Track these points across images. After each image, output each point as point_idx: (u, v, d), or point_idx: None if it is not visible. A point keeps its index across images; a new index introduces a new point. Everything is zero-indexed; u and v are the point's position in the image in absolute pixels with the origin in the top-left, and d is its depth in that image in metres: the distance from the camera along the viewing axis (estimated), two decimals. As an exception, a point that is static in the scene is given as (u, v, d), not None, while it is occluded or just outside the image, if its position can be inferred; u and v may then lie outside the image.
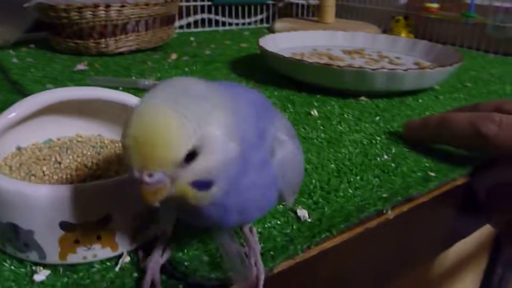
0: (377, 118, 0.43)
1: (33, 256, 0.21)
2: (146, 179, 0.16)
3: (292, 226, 0.26)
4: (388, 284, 0.33)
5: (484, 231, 0.56)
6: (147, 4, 0.63)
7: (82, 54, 0.64)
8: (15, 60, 0.59)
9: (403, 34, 0.85)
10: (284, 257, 0.23)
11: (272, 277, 0.23)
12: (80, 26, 0.61)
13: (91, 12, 0.60)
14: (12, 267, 0.22)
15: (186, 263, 0.22)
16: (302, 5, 1.07)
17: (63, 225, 0.20)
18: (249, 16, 0.99)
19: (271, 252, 0.23)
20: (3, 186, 0.20)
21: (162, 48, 0.71)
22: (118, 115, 0.28)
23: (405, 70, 0.46)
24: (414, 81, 0.47)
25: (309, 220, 0.27)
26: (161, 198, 0.16)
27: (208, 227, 0.23)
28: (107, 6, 0.60)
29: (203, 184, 0.17)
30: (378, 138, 0.38)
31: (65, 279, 0.21)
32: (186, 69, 0.58)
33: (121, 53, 0.65)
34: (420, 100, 0.49)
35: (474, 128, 0.32)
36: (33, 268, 0.21)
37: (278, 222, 0.26)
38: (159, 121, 0.15)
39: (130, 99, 0.27)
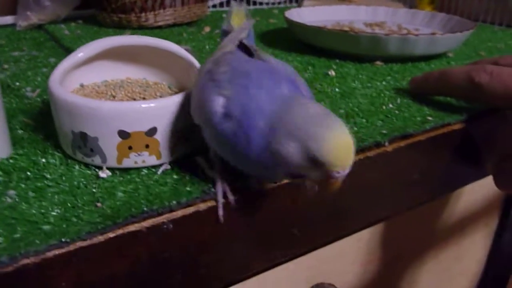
0: (389, 77, 0.48)
1: (97, 160, 0.27)
2: (343, 174, 0.21)
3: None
4: (386, 218, 0.37)
5: (492, 191, 0.59)
6: (183, -19, 0.69)
7: (124, 27, 0.70)
8: (66, 32, 0.66)
9: (427, 10, 0.88)
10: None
11: (283, 186, 0.28)
12: (123, 2, 0.67)
13: (133, -12, 0.66)
14: (81, 169, 0.28)
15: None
16: (330, -15, 1.11)
17: (120, 133, 0.26)
18: (278, -4, 1.03)
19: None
20: (78, 102, 0.26)
21: (197, 23, 0.77)
22: (161, 61, 0.34)
23: (417, 35, 0.50)
24: (426, 46, 0.51)
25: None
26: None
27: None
28: (147, -18, 0.66)
29: None
30: (387, 92, 0.43)
31: (121, 178, 0.27)
32: (218, 39, 0.64)
33: (159, 27, 0.71)
34: (432, 65, 0.53)
35: (469, 78, 0.36)
36: (96, 170, 0.28)
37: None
38: (351, 140, 0.22)
39: (172, 46, 0.33)
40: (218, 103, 0.24)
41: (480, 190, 0.58)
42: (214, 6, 0.95)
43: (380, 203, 0.36)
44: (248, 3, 0.99)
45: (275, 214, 0.29)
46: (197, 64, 0.32)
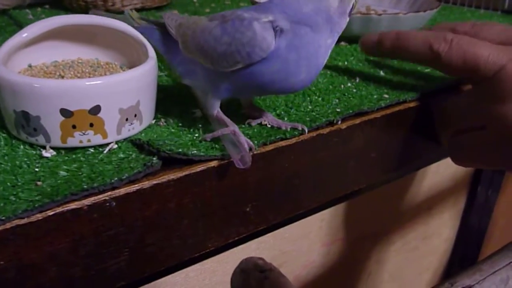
0: (352, 58, 0.48)
1: (41, 139, 0.27)
2: None
3: (253, 130, 0.31)
4: (345, 197, 0.38)
5: (459, 170, 0.60)
6: (150, -36, 0.68)
7: (91, 12, 0.69)
8: (30, 17, 0.65)
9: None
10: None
11: (233, 163, 0.28)
12: (88, -15, 0.66)
13: (98, -28, 0.65)
14: (25, 149, 0.27)
15: (160, 142, 0.27)
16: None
17: (62, 111, 0.26)
18: (252, -20, 1.03)
19: (232, 144, 0.29)
20: (18, 80, 0.26)
21: (166, 7, 0.76)
22: (114, 41, 0.34)
23: (380, 15, 0.50)
24: (389, 26, 0.51)
25: (269, 126, 0.32)
26: None
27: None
28: (113, -35, 0.65)
29: None
30: (347, 72, 0.43)
31: (66, 157, 0.27)
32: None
33: (127, 11, 0.70)
34: (397, 46, 0.54)
35: (428, 45, 0.35)
36: (40, 149, 0.27)
37: (243, 126, 0.32)
38: None
39: (122, 25, 0.32)
40: (269, 34, 0.27)
41: (447, 170, 0.59)
42: (186, -10, 0.94)
43: (336, 182, 0.36)
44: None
45: (226, 191, 0.29)
46: (145, 41, 0.32)
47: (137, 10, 0.71)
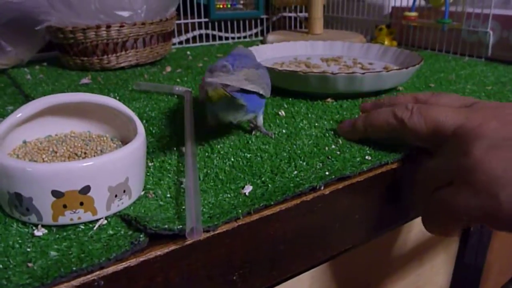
0: (337, 116, 0.49)
1: (33, 218, 0.28)
2: None
3: (239, 199, 0.32)
4: (330, 256, 0.38)
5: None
6: (143, 24, 0.71)
7: (87, 69, 0.72)
8: (28, 76, 0.67)
9: (386, 42, 0.91)
10: (227, 218, 0.30)
11: (219, 235, 0.29)
12: (85, 45, 0.69)
13: (94, 33, 0.68)
14: (18, 228, 0.29)
15: (147, 219, 0.28)
16: (295, 18, 1.14)
17: (54, 192, 0.27)
18: (244, 30, 1.06)
19: (217, 215, 0.30)
20: (11, 164, 0.27)
21: (160, 62, 0.78)
22: (104, 115, 0.35)
23: (363, 73, 0.52)
24: (373, 83, 0.53)
25: (254, 194, 0.33)
26: None
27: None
28: (108, 26, 0.68)
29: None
30: (332, 132, 0.45)
31: (57, 235, 0.28)
32: (178, 79, 0.66)
33: (122, 68, 0.72)
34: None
35: (393, 115, 0.38)
36: (33, 228, 0.28)
37: (229, 196, 0.33)
38: None
39: (111, 102, 0.34)
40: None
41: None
42: (180, 42, 0.97)
43: (322, 244, 0.37)
44: (214, 39, 1.02)
45: (213, 262, 0.30)
46: (135, 117, 0.33)
47: (132, 66, 0.74)
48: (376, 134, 0.41)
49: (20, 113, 0.31)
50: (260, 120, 0.44)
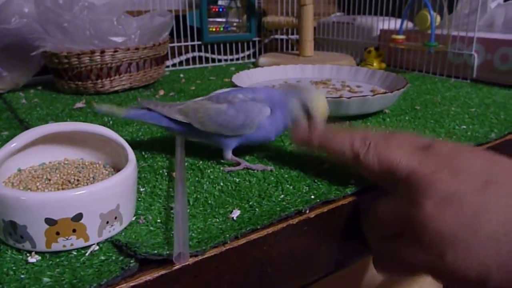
0: (324, 139, 0.51)
1: (27, 245, 0.29)
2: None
3: (227, 223, 0.34)
4: (318, 278, 0.39)
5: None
6: (137, 48, 0.73)
7: (82, 93, 0.73)
8: (23, 101, 0.69)
9: (375, 63, 0.93)
10: (214, 242, 0.31)
11: (207, 259, 0.31)
12: (79, 70, 0.71)
13: (88, 58, 0.69)
14: (12, 254, 0.30)
15: (137, 244, 0.30)
16: (286, 40, 1.17)
17: (47, 220, 0.28)
18: (237, 53, 1.08)
19: (205, 240, 0.31)
20: (7, 194, 0.28)
21: (153, 85, 0.80)
22: (96, 142, 0.36)
23: (349, 98, 0.54)
24: (359, 107, 0.55)
25: (241, 218, 0.34)
26: None
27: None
28: (102, 51, 0.70)
29: None
30: (319, 156, 0.46)
31: (50, 262, 0.29)
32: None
33: (116, 91, 0.74)
34: (369, 123, 0.57)
35: (350, 146, 0.37)
36: (27, 254, 0.29)
37: (217, 220, 0.34)
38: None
39: (103, 130, 0.35)
40: (267, 110, 0.43)
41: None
42: (173, 65, 0.99)
43: (309, 267, 0.38)
44: (207, 61, 1.04)
45: (202, 286, 0.31)
46: (126, 145, 0.35)
47: (126, 89, 0.75)
48: (329, 156, 0.40)
49: (15, 143, 0.33)
50: (225, 155, 0.44)
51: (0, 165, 0.32)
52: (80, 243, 0.30)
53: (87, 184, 0.33)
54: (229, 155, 0.44)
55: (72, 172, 0.35)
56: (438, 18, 0.86)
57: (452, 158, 0.32)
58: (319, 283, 0.47)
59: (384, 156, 0.34)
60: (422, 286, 0.64)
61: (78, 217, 0.29)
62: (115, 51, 0.70)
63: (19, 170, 0.35)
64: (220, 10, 1.04)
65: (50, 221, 0.28)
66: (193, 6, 1.00)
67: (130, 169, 0.32)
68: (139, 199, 0.37)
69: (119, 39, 0.70)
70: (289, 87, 0.45)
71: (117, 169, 0.36)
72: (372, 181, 0.37)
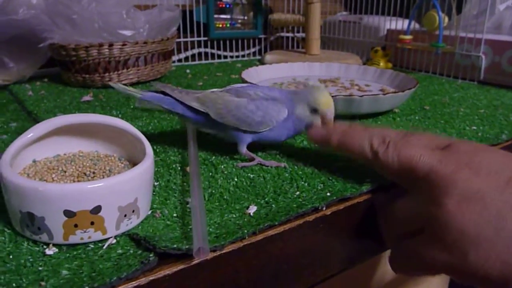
0: (336, 137, 0.50)
1: (44, 237, 0.29)
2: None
3: (244, 219, 0.33)
4: (331, 275, 0.39)
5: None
6: (145, 42, 0.72)
7: (89, 86, 0.72)
8: (30, 93, 0.68)
9: (381, 63, 0.93)
10: (233, 238, 0.30)
11: (225, 255, 0.30)
12: (87, 63, 0.70)
13: (96, 50, 0.69)
14: (29, 246, 0.29)
15: (156, 238, 0.29)
16: (292, 38, 1.16)
17: (66, 212, 0.28)
18: (243, 49, 1.08)
19: (223, 235, 0.31)
20: (24, 184, 0.28)
21: (160, 80, 0.80)
22: (111, 135, 0.36)
23: (361, 96, 0.53)
24: (370, 106, 0.55)
25: (258, 214, 0.34)
26: None
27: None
28: (110, 45, 0.69)
29: None
30: (331, 152, 0.46)
31: (67, 254, 0.29)
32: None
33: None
34: (379, 122, 0.57)
35: (369, 145, 0.36)
36: (44, 246, 0.29)
37: (234, 216, 0.34)
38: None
39: (121, 123, 0.35)
40: (285, 112, 0.43)
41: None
42: (179, 60, 0.99)
43: (324, 264, 0.38)
44: (213, 57, 1.03)
45: (219, 281, 0.31)
46: (143, 138, 0.34)
47: (133, 83, 0.75)
48: (348, 155, 0.40)
49: (32, 133, 0.32)
50: (239, 149, 0.43)
51: (16, 156, 0.32)
52: (98, 236, 0.29)
53: (103, 177, 0.33)
54: (243, 149, 0.43)
55: (88, 164, 0.34)
56: (446, 19, 0.86)
57: (473, 157, 0.32)
58: (328, 281, 0.47)
59: (404, 154, 0.34)
60: (430, 285, 0.64)
61: (97, 209, 0.28)
62: (123, 45, 0.70)
63: (34, 161, 0.34)
64: (227, 6, 1.04)
65: (69, 213, 0.28)
66: (200, 1, 0.99)
67: (148, 163, 0.32)
68: (154, 193, 0.36)
69: (128, 33, 0.70)
70: (295, 92, 0.44)
71: (132, 162, 0.36)
72: (389, 179, 0.37)
